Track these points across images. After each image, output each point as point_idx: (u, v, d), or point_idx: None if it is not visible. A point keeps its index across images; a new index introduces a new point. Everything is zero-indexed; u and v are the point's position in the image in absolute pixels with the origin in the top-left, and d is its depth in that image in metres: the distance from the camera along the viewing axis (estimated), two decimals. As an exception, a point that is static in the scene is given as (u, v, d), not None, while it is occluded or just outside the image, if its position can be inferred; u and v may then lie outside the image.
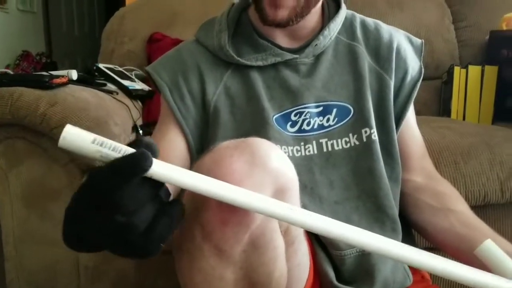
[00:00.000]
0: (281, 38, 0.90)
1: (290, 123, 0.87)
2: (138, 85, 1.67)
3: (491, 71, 1.61)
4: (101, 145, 0.46)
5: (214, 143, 0.84)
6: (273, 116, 0.85)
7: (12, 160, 1.21)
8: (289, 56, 0.87)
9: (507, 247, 0.76)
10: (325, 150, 0.86)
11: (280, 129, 0.85)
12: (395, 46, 0.91)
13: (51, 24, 3.67)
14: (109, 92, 1.47)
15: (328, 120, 0.87)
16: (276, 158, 0.61)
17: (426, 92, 1.79)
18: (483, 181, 1.12)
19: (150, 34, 1.84)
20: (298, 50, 0.89)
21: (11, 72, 2.66)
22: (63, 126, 1.05)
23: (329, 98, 0.88)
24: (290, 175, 0.62)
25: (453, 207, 0.86)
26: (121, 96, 1.51)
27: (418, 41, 0.96)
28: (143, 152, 0.45)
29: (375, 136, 0.86)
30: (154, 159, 0.46)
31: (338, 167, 0.86)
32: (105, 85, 1.55)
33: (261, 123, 0.84)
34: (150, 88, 1.67)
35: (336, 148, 0.86)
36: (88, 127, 1.15)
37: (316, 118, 0.87)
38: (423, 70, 0.93)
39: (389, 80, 0.89)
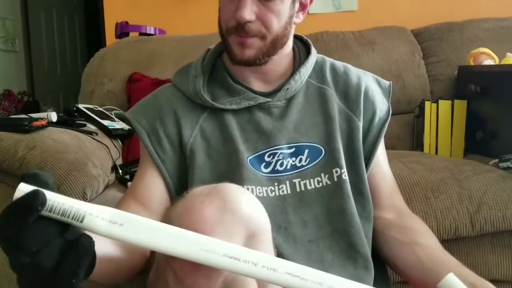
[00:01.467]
0: (254, 82, 0.94)
1: (264, 164, 0.89)
2: (118, 125, 1.69)
3: (461, 105, 1.66)
4: (50, 210, 0.47)
5: (192, 183, 0.87)
6: (248, 157, 0.88)
7: None
8: (262, 99, 0.91)
9: (474, 280, 0.78)
10: (298, 189, 0.89)
11: (255, 170, 0.88)
12: (363, 88, 0.95)
13: (33, 62, 3.69)
14: (89, 132, 1.48)
15: (300, 160, 0.90)
16: (247, 204, 0.63)
17: (399, 126, 1.84)
18: (453, 215, 1.15)
19: (130, 74, 1.88)
20: (271, 94, 0.93)
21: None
22: (42, 170, 1.06)
23: (301, 139, 0.91)
24: (261, 219, 0.64)
25: (420, 241, 0.88)
26: (101, 136, 1.53)
27: (386, 83, 1.00)
28: (34, 192, 0.46)
29: (345, 176, 0.89)
30: (54, 195, 0.47)
31: (311, 206, 0.88)
32: (84, 125, 1.57)
33: (236, 165, 0.87)
34: (129, 127, 1.69)
35: (309, 187, 0.89)
36: (67, 170, 1.16)
37: (289, 159, 0.90)
38: (391, 111, 0.97)
39: (358, 122, 0.92)
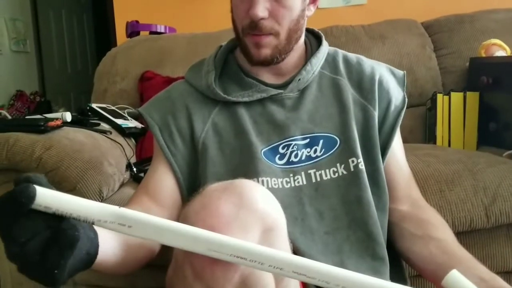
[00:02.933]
0: (266, 76, 0.95)
1: (278, 155, 0.90)
2: (131, 123, 1.71)
3: (473, 97, 1.66)
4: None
5: (205, 179, 0.88)
6: (262, 150, 0.89)
7: None
8: (274, 91, 0.92)
9: (485, 274, 0.79)
10: (313, 180, 0.89)
11: (269, 162, 0.89)
12: (377, 78, 0.95)
13: (44, 63, 3.73)
14: (103, 131, 1.50)
15: (315, 151, 0.91)
16: (262, 199, 0.64)
17: (411, 119, 1.84)
18: (468, 208, 1.15)
19: (142, 73, 1.89)
20: (283, 86, 0.94)
21: (6, 113, 2.70)
22: (59, 169, 1.08)
23: (315, 130, 0.92)
24: (276, 215, 0.65)
25: (434, 235, 0.88)
26: (115, 135, 1.54)
27: (400, 72, 1.00)
28: (22, 188, 0.48)
29: (362, 166, 0.89)
30: (43, 190, 0.49)
31: (327, 197, 0.89)
32: (98, 124, 1.58)
33: (250, 157, 0.88)
34: (142, 126, 1.71)
35: (324, 178, 0.89)
36: (83, 169, 1.18)
37: (303, 150, 0.90)
38: (406, 99, 0.97)
39: (373, 111, 0.93)
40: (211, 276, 0.59)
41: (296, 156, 0.90)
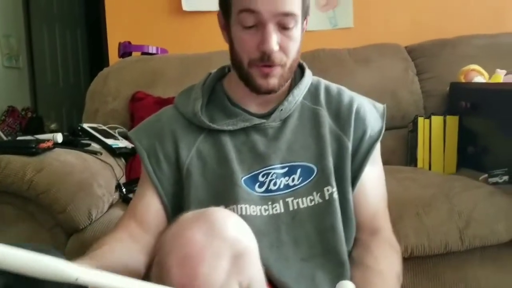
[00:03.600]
0: (251, 105, 0.98)
1: (258, 183, 0.93)
2: (122, 143, 1.74)
3: (452, 121, 1.71)
4: None
5: (188, 203, 0.93)
6: (242, 178, 0.93)
7: (0, 225, 1.26)
8: (257, 121, 0.95)
9: None
10: (291, 208, 0.93)
11: (249, 189, 0.92)
12: (354, 108, 0.98)
13: (36, 78, 3.75)
14: (94, 152, 1.53)
15: (293, 180, 0.94)
16: (233, 228, 0.69)
17: (394, 140, 1.89)
18: (443, 231, 1.20)
19: (133, 93, 1.93)
20: (266, 115, 0.97)
21: (-3, 129, 2.73)
22: (49, 191, 1.11)
23: (294, 159, 0.95)
24: (247, 242, 0.70)
25: (371, 266, 0.90)
26: (105, 155, 1.57)
27: (380, 106, 1.03)
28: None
29: (336, 195, 0.92)
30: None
31: (304, 225, 0.92)
32: (89, 145, 1.61)
33: (231, 185, 0.92)
34: (133, 146, 1.74)
35: (301, 206, 0.93)
36: (73, 192, 1.23)
37: (282, 178, 0.94)
38: (383, 131, 0.99)
39: (347, 142, 0.95)
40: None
41: (275, 184, 0.93)
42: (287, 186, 0.94)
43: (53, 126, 3.17)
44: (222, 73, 1.03)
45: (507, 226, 1.21)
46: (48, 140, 1.41)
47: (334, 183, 0.93)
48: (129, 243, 0.88)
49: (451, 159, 1.72)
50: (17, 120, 3.06)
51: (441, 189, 1.29)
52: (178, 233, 0.67)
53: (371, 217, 0.97)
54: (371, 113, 1.00)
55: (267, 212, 0.92)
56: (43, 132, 1.93)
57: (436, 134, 1.73)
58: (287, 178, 0.94)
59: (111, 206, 1.41)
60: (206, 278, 0.64)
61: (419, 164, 1.74)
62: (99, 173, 1.40)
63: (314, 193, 0.93)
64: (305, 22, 0.95)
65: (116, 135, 1.80)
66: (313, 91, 1.02)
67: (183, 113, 0.99)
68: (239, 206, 0.90)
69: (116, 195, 1.46)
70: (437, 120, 1.73)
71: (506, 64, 1.85)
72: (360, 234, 0.96)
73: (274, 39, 0.86)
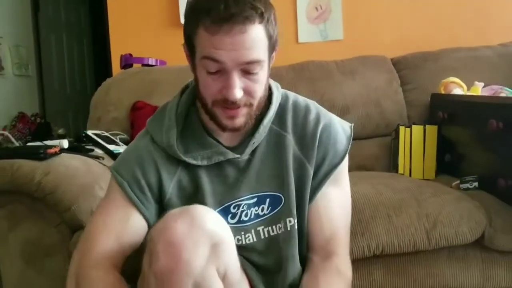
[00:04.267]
0: (224, 136, 0.99)
1: (230, 215, 0.99)
2: (122, 149, 1.84)
3: (432, 130, 1.82)
4: None
5: None
6: (216, 210, 0.96)
7: (12, 222, 1.37)
8: (231, 155, 0.97)
9: None
10: (262, 237, 1.00)
11: None
12: (319, 131, 0.99)
13: (44, 85, 3.88)
14: (96, 157, 1.64)
15: (262, 209, 0.99)
16: (211, 221, 0.81)
17: (378, 148, 2.01)
18: (412, 232, 1.29)
19: (133, 102, 2.05)
20: (238, 146, 0.99)
21: (8, 134, 2.85)
22: (56, 193, 1.23)
23: (262, 189, 0.99)
24: (223, 233, 0.83)
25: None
26: (107, 160, 1.68)
27: (347, 126, 1.04)
28: None
29: (296, 226, 0.98)
30: None
31: (274, 251, 1.00)
32: (92, 150, 1.72)
33: None
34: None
35: (271, 233, 0.99)
36: (76, 193, 1.33)
37: (252, 209, 0.99)
38: (347, 153, 1.01)
39: (310, 169, 0.98)
40: (169, 282, 0.77)
41: (246, 215, 0.99)
42: (257, 216, 0.99)
43: (60, 131, 3.29)
44: (194, 96, 1.00)
45: (471, 229, 1.30)
46: (55, 146, 1.50)
47: (295, 214, 0.98)
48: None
49: (430, 166, 1.82)
50: (27, 125, 3.16)
51: (412, 194, 1.39)
52: (164, 225, 0.80)
53: (325, 240, 0.99)
54: (336, 136, 1.01)
55: (240, 242, 0.98)
56: (51, 136, 2.05)
57: (416, 142, 1.83)
58: (256, 208, 0.99)
59: (111, 206, 1.52)
60: (188, 262, 0.76)
61: (400, 170, 1.84)
62: (100, 177, 1.49)
63: (282, 222, 0.98)
64: (273, 55, 0.95)
65: (118, 141, 1.92)
66: (280, 113, 1.02)
67: (158, 143, 0.99)
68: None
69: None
70: (417, 129, 1.83)
71: (485, 76, 1.98)
72: (312, 255, 1.00)
73: (237, 87, 0.86)
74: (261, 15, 0.86)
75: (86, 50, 4.74)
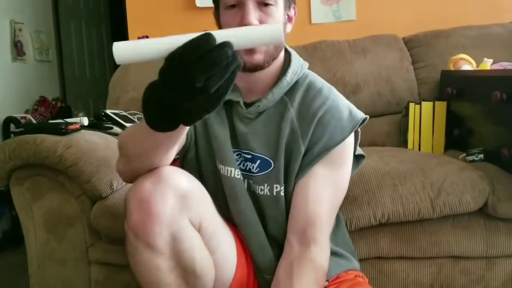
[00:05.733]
0: (243, 90, 1.05)
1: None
2: (140, 127, 1.93)
3: (441, 106, 1.85)
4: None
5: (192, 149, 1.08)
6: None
7: (36, 194, 1.44)
8: (241, 103, 1.04)
9: None
10: (250, 189, 1.06)
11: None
12: (319, 114, 1.00)
13: (65, 70, 3.98)
14: (115, 134, 1.71)
15: (253, 167, 1.05)
16: (177, 177, 0.87)
17: (389, 125, 2.05)
18: (416, 200, 1.34)
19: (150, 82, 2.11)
20: (250, 105, 1.04)
21: (31, 117, 2.96)
22: (77, 165, 1.31)
23: (256, 150, 1.04)
24: (191, 186, 0.89)
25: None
26: None
27: (358, 115, 1.03)
28: (208, 32, 0.62)
29: (282, 193, 1.02)
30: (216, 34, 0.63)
31: (258, 207, 1.05)
32: (111, 128, 1.80)
33: (227, 149, 1.05)
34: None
35: (256, 192, 1.05)
36: (97, 165, 1.40)
37: (247, 163, 1.05)
38: (347, 139, 1.01)
39: (302, 146, 1.00)
40: (144, 233, 0.85)
41: (243, 165, 1.05)
42: (249, 170, 1.05)
43: (80, 114, 3.38)
44: None
45: (474, 197, 1.34)
46: (76, 123, 1.58)
47: (282, 182, 1.01)
48: None
49: (439, 141, 1.86)
50: (48, 109, 3.26)
51: (418, 164, 1.43)
52: (134, 186, 0.87)
53: (307, 221, 0.99)
54: (338, 122, 1.01)
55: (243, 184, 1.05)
56: (71, 119, 2.12)
57: (426, 118, 1.87)
58: (250, 163, 1.05)
59: (129, 179, 1.60)
60: (158, 213, 0.84)
61: (409, 146, 1.88)
62: None
63: (265, 185, 1.03)
64: (291, 10, 1.02)
65: (135, 120, 1.99)
66: (294, 87, 1.05)
67: None
68: (229, 168, 1.04)
69: (134, 171, 1.65)
70: (426, 105, 1.87)
71: (495, 53, 1.99)
72: (291, 235, 1.00)
73: (252, 14, 0.92)
74: None
75: (105, 36, 4.82)
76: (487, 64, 1.88)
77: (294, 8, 1.05)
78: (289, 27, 1.05)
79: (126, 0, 2.66)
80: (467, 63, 1.90)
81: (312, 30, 2.54)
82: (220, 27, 1.01)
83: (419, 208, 1.34)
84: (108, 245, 1.45)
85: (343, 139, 1.00)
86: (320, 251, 0.98)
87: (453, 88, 1.80)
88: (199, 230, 0.92)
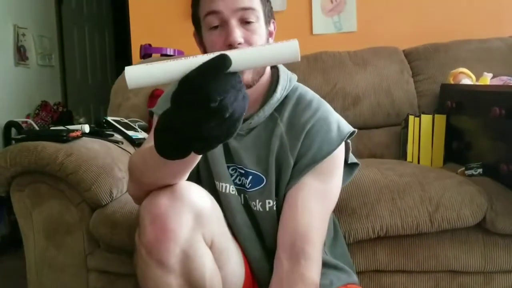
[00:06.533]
0: None
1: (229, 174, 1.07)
2: (141, 135, 1.94)
3: (440, 119, 1.86)
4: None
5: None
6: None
7: (36, 201, 1.44)
8: None
9: None
10: (246, 204, 1.07)
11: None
12: (308, 126, 1.01)
13: (67, 75, 3.98)
14: (115, 142, 1.72)
15: (246, 183, 1.05)
16: (192, 194, 0.87)
17: (388, 136, 2.06)
18: (415, 214, 1.34)
19: (152, 90, 2.13)
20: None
21: (32, 121, 2.97)
22: (77, 173, 1.31)
23: (248, 166, 1.04)
24: (206, 203, 0.89)
25: None
26: (126, 144, 1.76)
27: (345, 129, 1.03)
28: (224, 54, 0.62)
29: (275, 208, 1.03)
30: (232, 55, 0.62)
31: (254, 222, 1.06)
32: (112, 135, 1.80)
33: (221, 165, 1.06)
34: (150, 137, 1.94)
35: (251, 207, 1.05)
36: (97, 173, 1.40)
37: (242, 178, 1.06)
38: (334, 152, 1.00)
39: (291, 159, 1.01)
40: (157, 251, 0.84)
41: (239, 180, 1.06)
42: (243, 185, 1.06)
43: (81, 120, 3.39)
44: None
45: (472, 212, 1.34)
46: (77, 130, 1.58)
47: (274, 197, 1.02)
48: None
49: (438, 154, 1.87)
50: (50, 114, 3.26)
51: (417, 178, 1.44)
52: (149, 200, 0.87)
53: (297, 235, 0.96)
54: (326, 133, 1.01)
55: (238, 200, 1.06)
56: (73, 125, 2.13)
57: (425, 131, 1.88)
58: (244, 178, 1.05)
59: (129, 187, 1.60)
60: (174, 231, 0.83)
61: (409, 158, 1.89)
62: (119, 159, 1.57)
63: (257, 201, 1.04)
64: (271, 25, 1.04)
65: (136, 127, 2.00)
66: (284, 101, 1.06)
67: None
68: (224, 184, 1.05)
69: (134, 179, 1.66)
70: (426, 118, 1.88)
71: (495, 67, 2.01)
72: (281, 252, 0.97)
73: (237, 33, 0.93)
74: None
75: (108, 42, 4.84)
76: (487, 78, 1.89)
77: (273, 23, 1.07)
78: (270, 41, 1.05)
79: (130, 7, 2.68)
80: (467, 77, 1.91)
81: (313, 40, 2.56)
82: (204, 47, 1.02)
83: (418, 221, 1.35)
84: (106, 253, 1.45)
85: (331, 152, 1.00)
86: (311, 265, 0.95)
87: (453, 102, 1.81)
88: (211, 246, 0.91)
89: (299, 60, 0.67)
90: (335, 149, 1.00)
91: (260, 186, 1.04)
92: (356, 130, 1.05)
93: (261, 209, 1.04)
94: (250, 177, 1.04)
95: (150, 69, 0.66)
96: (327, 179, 1.02)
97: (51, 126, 3.08)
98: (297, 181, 1.00)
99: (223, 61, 0.61)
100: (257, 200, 1.03)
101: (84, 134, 1.63)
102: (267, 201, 1.03)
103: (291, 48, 0.66)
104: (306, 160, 1.00)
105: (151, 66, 0.66)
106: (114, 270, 1.44)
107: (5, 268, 2.45)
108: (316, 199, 1.00)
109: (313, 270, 0.95)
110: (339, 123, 1.04)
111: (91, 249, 1.45)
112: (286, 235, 0.97)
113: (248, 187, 1.05)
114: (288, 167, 1.01)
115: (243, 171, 1.05)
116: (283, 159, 1.02)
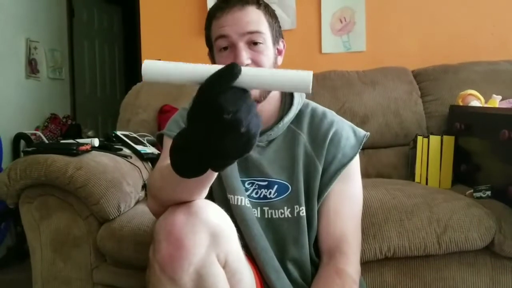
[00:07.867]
0: None
1: (244, 188, 1.10)
2: (149, 149, 1.95)
3: (449, 140, 1.86)
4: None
5: None
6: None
7: (44, 213, 1.46)
8: None
9: None
10: (266, 216, 1.09)
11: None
12: (330, 134, 1.10)
13: (76, 88, 4.01)
14: (124, 156, 1.74)
15: (270, 193, 1.09)
16: (209, 212, 0.86)
17: (396, 157, 2.06)
18: (423, 235, 1.34)
19: (161, 106, 2.15)
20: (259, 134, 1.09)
21: (41, 134, 2.99)
22: (86, 186, 1.33)
23: (273, 176, 1.09)
24: (221, 222, 0.88)
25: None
26: (134, 159, 1.78)
27: (361, 133, 1.14)
28: (234, 63, 0.62)
29: (303, 213, 1.07)
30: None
31: (274, 232, 1.09)
32: (121, 149, 1.82)
33: (235, 178, 1.08)
34: (159, 152, 1.95)
35: (274, 216, 1.09)
36: (105, 187, 1.42)
37: (262, 190, 1.10)
38: (356, 157, 1.10)
39: (319, 165, 1.09)
40: (171, 269, 0.83)
41: (256, 193, 1.10)
42: (265, 197, 1.09)
43: (90, 133, 3.41)
44: None
45: (481, 235, 1.34)
46: (87, 144, 1.61)
47: (303, 202, 1.07)
48: None
49: (446, 175, 1.86)
50: (58, 127, 3.28)
51: (424, 199, 1.44)
52: (165, 217, 0.86)
53: (335, 239, 1.06)
54: (347, 140, 1.11)
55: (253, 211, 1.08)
56: (81, 138, 2.15)
57: (434, 152, 1.87)
58: (265, 190, 1.10)
59: (137, 202, 1.61)
60: (188, 249, 0.82)
61: (417, 179, 1.88)
62: (128, 174, 1.59)
63: (285, 208, 1.08)
64: (280, 44, 1.10)
65: (145, 142, 2.02)
66: (299, 116, 1.15)
67: None
68: (239, 197, 1.06)
69: (142, 194, 1.66)
70: (435, 139, 1.88)
71: (504, 90, 2.01)
72: (323, 256, 1.07)
73: (244, 55, 1.00)
74: (257, 2, 1.05)
75: (117, 56, 4.89)
76: (496, 100, 1.90)
77: (282, 41, 1.14)
78: (279, 59, 1.13)
79: (141, 22, 2.71)
80: (475, 99, 1.92)
81: (322, 59, 2.58)
82: None
83: (425, 243, 1.35)
84: (113, 267, 1.45)
85: (355, 154, 1.10)
86: (346, 260, 1.03)
87: (462, 123, 1.81)
88: (224, 266, 0.90)
89: (310, 92, 0.67)
90: (357, 151, 1.10)
91: (287, 194, 1.09)
92: (368, 133, 1.15)
93: (289, 215, 1.07)
94: (276, 186, 1.09)
95: (168, 65, 0.67)
96: (352, 182, 1.10)
97: (60, 139, 3.12)
98: (329, 188, 1.07)
99: (232, 67, 0.62)
100: (285, 207, 1.08)
101: (93, 148, 1.65)
102: (295, 206, 1.07)
103: (303, 79, 0.65)
104: (334, 166, 1.08)
105: (169, 64, 0.67)
106: (120, 284, 1.44)
107: (11, 279, 2.44)
108: (347, 201, 1.09)
109: (347, 264, 1.02)
110: (354, 129, 1.14)
111: (98, 263, 1.46)
112: (325, 242, 1.07)
113: (273, 196, 1.09)
114: (317, 173, 1.08)
115: (265, 183, 1.10)
116: (311, 166, 1.09)
